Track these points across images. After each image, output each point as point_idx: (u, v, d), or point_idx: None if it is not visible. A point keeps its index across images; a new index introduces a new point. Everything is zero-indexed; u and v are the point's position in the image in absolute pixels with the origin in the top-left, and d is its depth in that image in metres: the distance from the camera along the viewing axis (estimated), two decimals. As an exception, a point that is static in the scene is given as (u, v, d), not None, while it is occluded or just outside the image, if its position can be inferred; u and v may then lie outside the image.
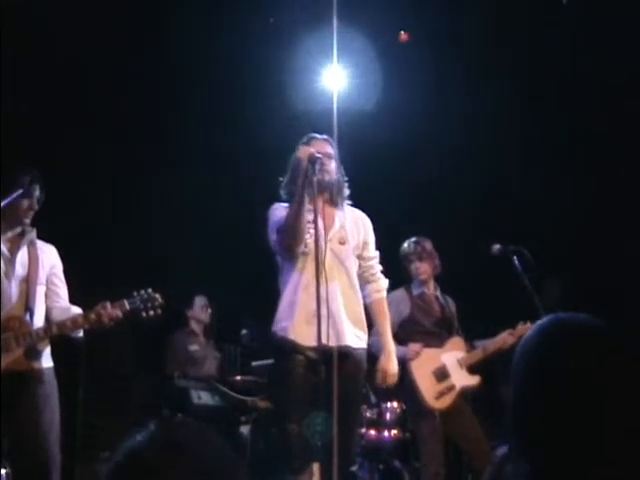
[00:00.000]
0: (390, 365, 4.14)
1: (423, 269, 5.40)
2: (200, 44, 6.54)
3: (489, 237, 5.04)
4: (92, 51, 6.18)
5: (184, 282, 6.64)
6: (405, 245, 5.46)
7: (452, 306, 5.54)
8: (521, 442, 1.22)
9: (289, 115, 6.67)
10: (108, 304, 3.89)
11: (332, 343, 3.81)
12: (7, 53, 5.53)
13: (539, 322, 1.37)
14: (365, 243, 4.18)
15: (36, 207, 4.04)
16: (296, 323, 3.92)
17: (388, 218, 6.75)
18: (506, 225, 6.44)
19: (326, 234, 4.02)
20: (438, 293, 5.51)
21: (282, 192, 4.17)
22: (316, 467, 4.10)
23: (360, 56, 6.57)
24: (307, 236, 3.94)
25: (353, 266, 4.09)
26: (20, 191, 3.91)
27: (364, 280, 4.18)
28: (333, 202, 4.14)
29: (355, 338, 4.01)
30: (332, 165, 4.12)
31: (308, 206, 3.90)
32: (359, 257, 4.16)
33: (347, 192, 4.22)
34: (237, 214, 6.97)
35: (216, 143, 7.05)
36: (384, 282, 4.27)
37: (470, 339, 5.45)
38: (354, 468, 4.07)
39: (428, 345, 5.28)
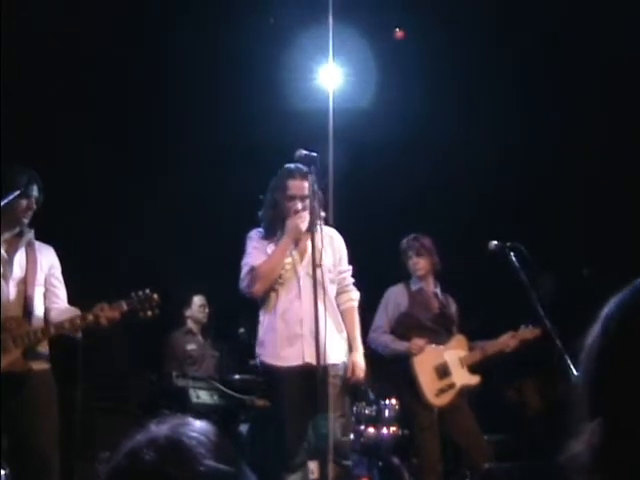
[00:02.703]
0: (359, 359, 4.32)
1: (420, 265, 5.38)
2: (195, 43, 6.54)
3: (487, 234, 5.04)
4: (91, 51, 6.18)
5: (182, 281, 6.64)
6: (404, 241, 5.46)
7: (452, 305, 5.53)
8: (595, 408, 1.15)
9: (285, 113, 6.67)
10: (106, 305, 3.89)
11: (315, 362, 4.02)
12: (7, 51, 5.53)
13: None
14: (339, 259, 4.39)
15: (34, 208, 4.03)
16: (278, 347, 4.19)
17: (384, 216, 6.77)
18: (504, 222, 6.44)
19: (301, 260, 4.25)
20: (438, 290, 5.50)
21: (260, 218, 4.37)
22: (314, 465, 4.39)
23: (356, 54, 6.57)
24: (287, 267, 4.19)
25: (330, 285, 4.26)
26: (17, 192, 3.90)
27: (337, 291, 4.39)
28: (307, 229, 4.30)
29: (339, 354, 4.24)
30: (307, 207, 4.21)
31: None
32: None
33: (322, 216, 4.30)
34: (234, 212, 6.96)
35: (214, 142, 7.04)
36: (356, 294, 4.47)
37: (469, 338, 5.45)
38: (349, 463, 4.28)
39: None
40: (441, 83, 6.87)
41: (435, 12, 6.65)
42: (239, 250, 4.37)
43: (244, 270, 4.28)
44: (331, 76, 6.24)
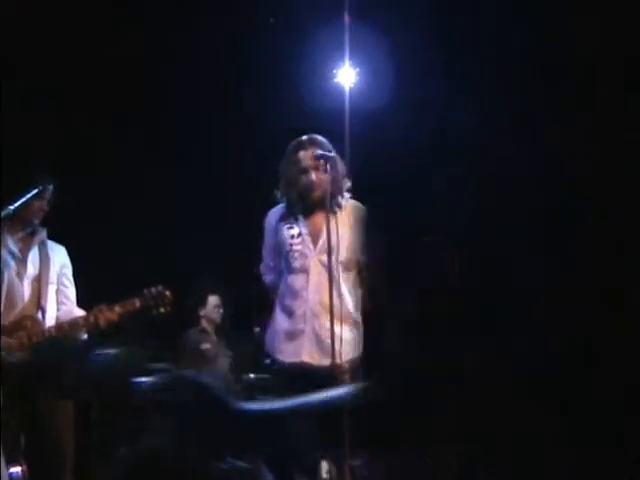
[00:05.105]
0: None
1: None
2: (208, 40, 6.55)
3: (509, 231, 4.99)
4: (102, 52, 6.20)
5: (198, 281, 6.67)
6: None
7: None
8: None
9: (301, 113, 6.66)
10: (104, 307, 3.93)
11: (315, 361, 3.82)
12: (21, 53, 5.56)
13: None
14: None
15: (47, 208, 4.07)
16: (277, 340, 3.95)
17: (401, 217, 6.75)
18: (526, 218, 6.38)
19: (314, 245, 3.93)
20: None
21: (279, 198, 4.14)
22: (325, 464, 4.27)
23: (373, 53, 6.55)
24: (296, 255, 3.93)
25: (342, 274, 3.89)
26: (33, 192, 3.92)
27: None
28: (323, 206, 3.86)
29: (348, 352, 3.85)
30: (321, 177, 3.91)
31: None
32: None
33: (345, 194, 4.02)
34: (250, 211, 6.94)
35: (229, 140, 7.04)
36: None
37: None
38: (356, 462, 4.28)
39: None
40: (461, 83, 6.83)
41: (453, 12, 6.61)
42: (256, 251, 4.32)
43: (262, 266, 4.16)
44: (347, 75, 6.23)
